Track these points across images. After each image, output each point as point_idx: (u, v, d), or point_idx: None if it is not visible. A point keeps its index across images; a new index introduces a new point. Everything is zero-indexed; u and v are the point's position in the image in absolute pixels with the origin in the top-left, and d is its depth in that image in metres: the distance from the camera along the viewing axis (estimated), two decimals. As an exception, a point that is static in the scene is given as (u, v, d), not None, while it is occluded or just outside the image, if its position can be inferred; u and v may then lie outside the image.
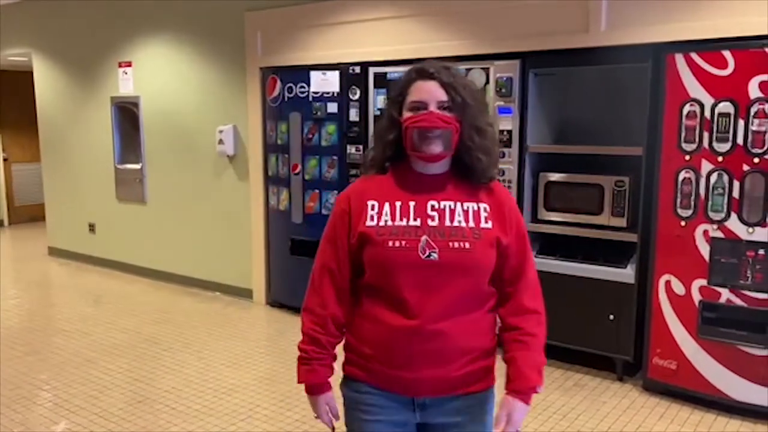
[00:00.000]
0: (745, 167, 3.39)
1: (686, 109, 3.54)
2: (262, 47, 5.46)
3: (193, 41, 5.95)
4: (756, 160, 3.36)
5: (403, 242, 1.63)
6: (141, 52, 6.41)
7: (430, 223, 1.65)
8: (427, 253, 1.63)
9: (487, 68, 4.25)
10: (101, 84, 6.84)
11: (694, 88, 3.50)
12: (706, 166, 3.51)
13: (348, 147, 5.05)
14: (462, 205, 1.68)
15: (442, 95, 1.64)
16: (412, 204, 1.67)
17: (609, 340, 4.05)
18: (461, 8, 4.43)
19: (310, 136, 5.13)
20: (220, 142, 5.76)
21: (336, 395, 1.85)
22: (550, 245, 4.18)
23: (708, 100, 3.46)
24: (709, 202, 3.51)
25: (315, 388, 1.80)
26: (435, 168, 1.70)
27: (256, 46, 5.47)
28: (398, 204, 1.68)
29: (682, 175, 3.59)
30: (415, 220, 1.66)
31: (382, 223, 1.66)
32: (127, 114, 6.71)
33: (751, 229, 3.42)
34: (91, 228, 7.28)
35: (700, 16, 3.58)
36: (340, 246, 1.73)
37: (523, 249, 1.75)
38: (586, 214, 4.13)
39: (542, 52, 4.13)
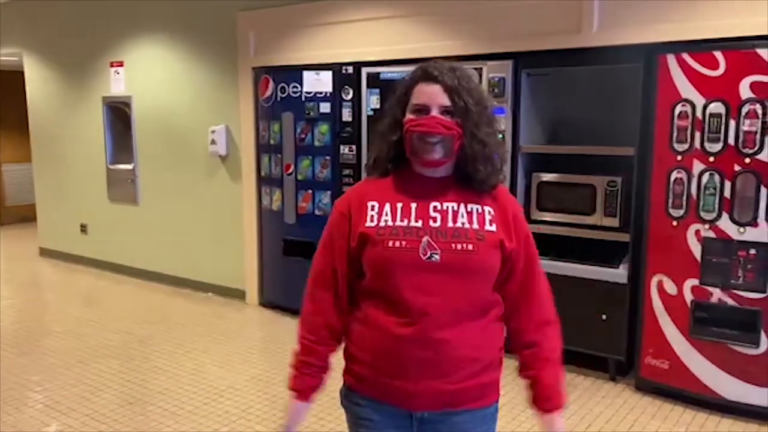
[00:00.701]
0: (737, 167, 3.41)
1: (678, 109, 3.55)
2: (254, 47, 5.45)
3: (186, 41, 5.93)
4: (747, 160, 3.37)
5: (404, 242, 1.59)
6: (133, 52, 6.39)
7: (432, 224, 1.61)
8: (429, 255, 1.58)
9: (480, 68, 4.25)
10: (93, 84, 6.81)
11: (685, 88, 3.52)
12: (697, 166, 3.52)
13: (341, 147, 5.05)
14: (466, 206, 1.64)
15: (445, 99, 1.60)
16: (413, 206, 1.63)
17: (601, 340, 4.06)
18: (454, 8, 4.43)
19: (303, 136, 5.12)
20: (213, 142, 5.74)
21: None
22: (542, 245, 4.10)
23: (699, 101, 3.48)
24: (701, 202, 3.53)
25: (294, 394, 1.77)
26: (437, 171, 1.66)
27: (248, 45, 5.46)
28: (399, 205, 1.64)
29: (674, 175, 3.60)
30: (416, 221, 1.61)
31: (382, 224, 1.62)
32: (119, 114, 6.69)
33: (742, 229, 3.43)
34: (83, 228, 7.25)
35: (691, 17, 3.60)
36: (338, 251, 1.68)
37: (531, 256, 1.70)
38: (578, 214, 4.14)
39: (535, 53, 4.14)
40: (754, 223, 3.40)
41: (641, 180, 3.82)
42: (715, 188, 3.48)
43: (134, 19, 6.29)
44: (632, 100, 3.88)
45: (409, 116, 1.63)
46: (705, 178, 3.50)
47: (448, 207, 1.63)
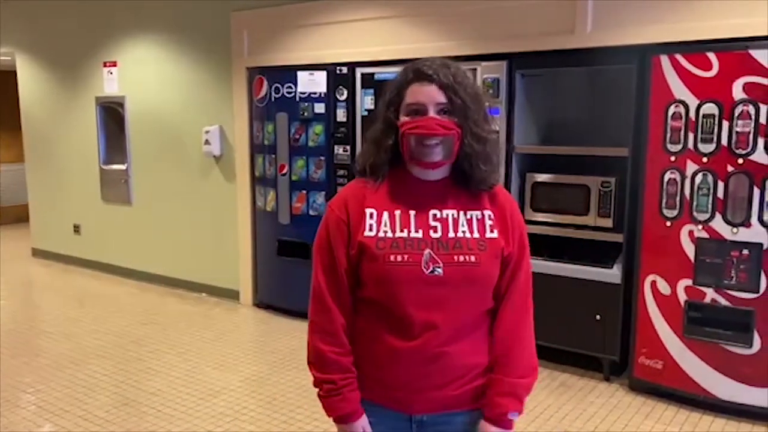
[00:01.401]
0: (730, 168, 3.42)
1: (671, 110, 3.56)
2: (248, 47, 5.44)
3: (179, 41, 5.91)
4: (740, 161, 3.38)
5: (405, 256, 1.54)
6: (126, 52, 6.37)
7: (432, 234, 1.56)
8: (431, 269, 1.53)
9: (474, 69, 4.26)
10: (86, 84, 6.79)
11: (679, 89, 3.53)
12: (691, 167, 3.53)
13: (335, 147, 5.04)
14: (465, 213, 1.59)
15: (441, 98, 1.54)
16: (412, 213, 1.58)
17: (595, 340, 4.07)
18: (448, 9, 4.44)
19: (297, 136, 5.12)
20: (207, 142, 5.73)
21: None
22: (536, 246, 4.12)
23: (693, 102, 3.49)
24: (694, 203, 3.54)
25: (349, 417, 1.64)
26: (434, 173, 1.61)
27: (242, 46, 5.45)
28: (398, 213, 1.58)
29: (668, 175, 3.62)
30: (416, 231, 1.56)
31: (381, 234, 1.56)
32: (112, 114, 6.66)
33: (735, 230, 3.44)
34: (76, 229, 7.22)
35: (685, 18, 3.61)
36: (338, 256, 1.61)
37: (521, 257, 1.65)
38: (572, 214, 4.15)
39: (529, 53, 4.15)
40: (747, 223, 3.41)
41: (635, 180, 3.83)
42: (708, 189, 3.49)
43: (128, 19, 6.27)
44: (626, 100, 3.89)
45: (404, 118, 1.57)
46: (698, 178, 3.52)
47: (448, 215, 1.59)
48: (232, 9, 5.46)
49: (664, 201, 3.64)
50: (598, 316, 4.03)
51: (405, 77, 1.60)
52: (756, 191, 3.36)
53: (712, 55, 3.41)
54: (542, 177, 4.28)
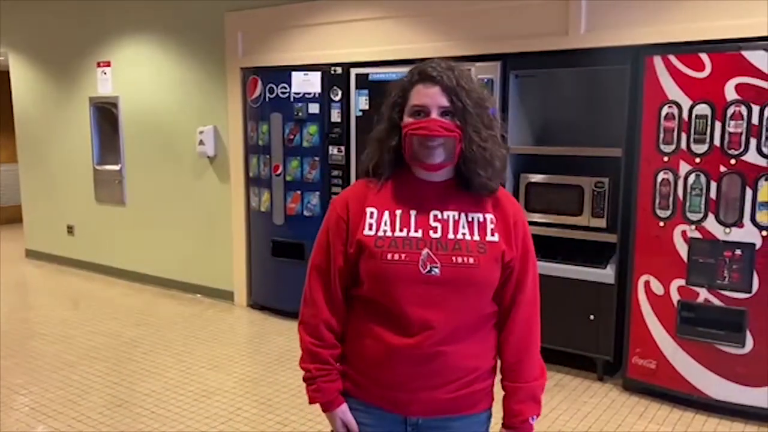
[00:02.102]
0: (722, 168, 3.44)
1: (664, 110, 3.58)
2: (242, 48, 5.43)
3: (173, 41, 5.90)
4: (732, 161, 3.40)
5: (403, 255, 1.54)
6: (120, 52, 6.35)
7: (432, 234, 1.56)
8: (429, 268, 1.54)
9: (469, 69, 4.23)
10: (79, 84, 6.77)
11: (672, 90, 3.54)
12: (684, 167, 3.55)
13: (330, 148, 5.04)
14: (467, 215, 1.59)
15: (444, 100, 1.55)
16: (413, 213, 1.59)
17: (589, 340, 4.08)
18: (442, 10, 4.44)
19: (292, 136, 5.11)
20: (201, 143, 5.72)
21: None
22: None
23: (686, 102, 3.50)
24: (687, 203, 3.56)
25: (326, 405, 1.68)
26: (437, 175, 1.61)
27: (236, 46, 5.44)
28: (398, 213, 1.59)
29: (661, 176, 3.63)
30: (416, 231, 1.57)
31: (380, 233, 1.57)
32: (106, 114, 6.65)
33: (727, 230, 3.46)
34: (70, 230, 7.20)
35: (678, 19, 3.62)
36: (334, 254, 1.63)
37: (525, 262, 1.65)
38: (566, 215, 4.16)
39: (523, 54, 4.16)
40: (739, 223, 3.43)
41: (628, 181, 3.84)
42: (701, 189, 3.51)
43: (121, 19, 6.26)
44: (619, 101, 3.90)
45: (407, 119, 1.58)
46: (691, 179, 3.53)
47: (448, 216, 1.59)
48: (226, 9, 5.45)
49: (657, 201, 3.66)
50: (591, 316, 4.04)
51: (410, 78, 1.61)
52: (748, 192, 3.38)
53: (704, 56, 3.42)
54: (536, 177, 4.29)
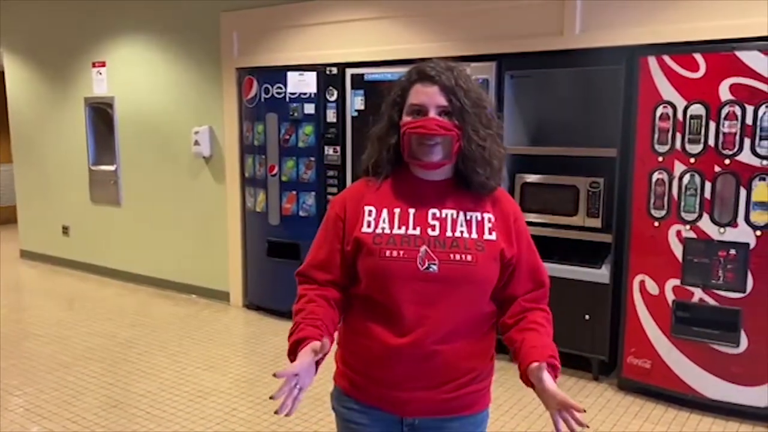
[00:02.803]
0: (717, 168, 3.45)
1: (659, 111, 3.59)
2: (238, 48, 5.43)
3: (169, 41, 5.89)
4: (727, 161, 3.41)
5: (401, 252, 1.55)
6: (115, 52, 6.34)
7: (430, 232, 1.57)
8: (426, 265, 1.54)
9: (466, 70, 4.26)
10: (75, 84, 6.75)
11: (666, 90, 3.55)
12: (678, 168, 3.56)
13: (325, 148, 5.04)
14: (465, 214, 1.60)
15: (442, 100, 1.57)
16: (411, 212, 1.60)
17: (584, 340, 4.09)
18: (437, 10, 4.44)
19: (287, 137, 5.11)
20: (196, 143, 5.71)
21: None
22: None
23: (680, 102, 3.51)
24: (682, 203, 3.56)
25: (293, 346, 1.54)
26: (436, 174, 1.62)
27: (232, 46, 5.44)
28: (397, 211, 1.60)
29: (656, 176, 3.64)
30: (414, 228, 1.58)
31: (378, 231, 1.58)
32: (101, 115, 6.63)
33: (722, 230, 3.47)
34: (65, 230, 7.18)
35: (672, 20, 3.63)
36: (334, 249, 1.64)
37: (534, 258, 1.68)
38: (561, 215, 4.17)
39: (518, 55, 4.16)
40: (733, 223, 3.44)
41: (623, 181, 3.85)
42: (695, 189, 3.52)
43: (117, 19, 6.25)
44: (614, 101, 3.91)
45: (406, 118, 1.59)
46: (686, 179, 3.54)
47: (447, 215, 1.60)
48: (222, 9, 5.44)
49: (652, 201, 3.67)
50: (586, 316, 4.05)
51: (409, 78, 1.63)
52: (743, 191, 3.39)
53: (699, 57, 3.43)
54: (531, 177, 4.29)
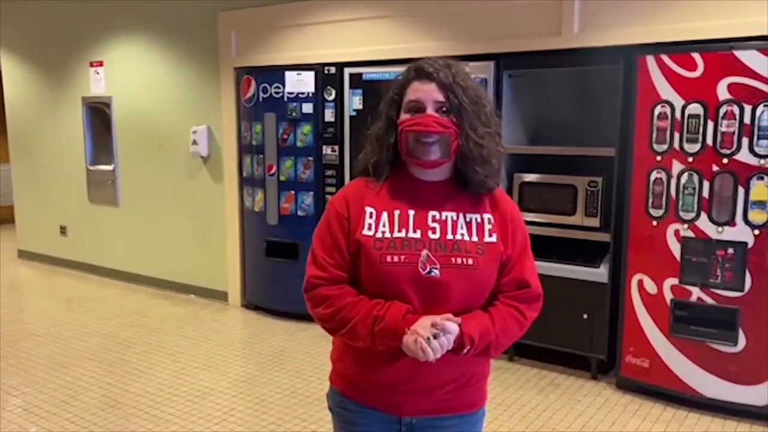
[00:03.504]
0: (715, 167, 3.45)
1: (657, 110, 3.59)
2: (236, 47, 5.42)
3: (167, 41, 5.88)
4: (725, 160, 3.41)
5: (402, 257, 1.53)
6: (113, 52, 6.33)
7: (431, 235, 1.55)
8: (428, 269, 1.53)
9: (464, 67, 4.26)
10: (72, 84, 6.74)
11: (664, 89, 3.55)
12: (676, 167, 3.56)
13: (323, 148, 5.04)
14: (465, 216, 1.59)
15: (440, 96, 1.55)
16: (411, 213, 1.58)
17: (583, 340, 4.09)
18: (436, 10, 4.44)
19: (285, 136, 5.11)
20: (194, 142, 5.70)
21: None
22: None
23: (678, 102, 3.52)
24: (680, 202, 3.57)
25: (390, 325, 1.52)
26: (435, 174, 1.61)
27: (230, 46, 5.43)
28: (396, 213, 1.58)
29: (654, 175, 3.64)
30: (414, 231, 1.56)
31: (379, 234, 1.56)
32: (98, 114, 6.62)
33: (720, 229, 3.47)
34: (63, 230, 7.17)
35: (670, 19, 3.64)
36: (342, 251, 1.60)
37: (523, 258, 1.64)
38: (560, 214, 4.17)
39: (516, 54, 4.16)
40: (731, 222, 3.44)
41: (621, 180, 3.85)
42: (693, 188, 3.52)
43: (114, 19, 6.24)
44: (612, 101, 3.91)
45: (404, 116, 1.58)
46: (684, 178, 3.54)
47: (447, 217, 1.58)
48: (220, 9, 5.44)
49: (650, 200, 3.67)
50: (585, 316, 4.05)
51: (407, 75, 1.61)
52: (741, 191, 3.39)
53: (697, 56, 3.43)
54: (530, 177, 4.29)
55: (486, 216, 1.61)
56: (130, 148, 6.39)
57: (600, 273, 4.00)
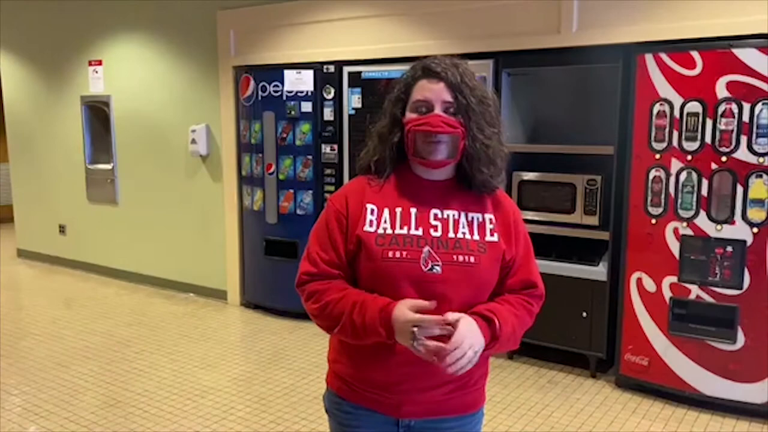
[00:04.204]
0: (714, 166, 3.45)
1: (656, 108, 3.59)
2: (235, 46, 5.42)
3: (165, 40, 5.88)
4: (723, 158, 3.42)
5: (404, 253, 1.52)
6: (112, 51, 6.32)
7: (432, 233, 1.55)
8: (430, 266, 1.52)
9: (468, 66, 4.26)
10: (71, 83, 6.73)
11: (663, 87, 3.56)
12: (675, 165, 3.56)
13: (322, 146, 5.04)
14: (467, 215, 1.59)
15: (448, 96, 1.54)
16: (413, 211, 1.57)
17: (582, 338, 4.09)
18: (435, 8, 4.44)
19: (284, 135, 5.11)
20: (193, 141, 5.70)
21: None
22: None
23: (677, 100, 3.52)
24: (679, 200, 3.57)
25: (380, 302, 1.50)
26: (438, 174, 1.60)
27: (229, 44, 5.43)
28: (398, 210, 1.57)
29: (653, 173, 3.64)
30: (416, 229, 1.55)
31: (380, 231, 1.55)
32: (97, 113, 6.62)
33: (719, 227, 3.48)
34: (62, 229, 7.17)
35: (669, 18, 3.64)
36: (338, 249, 1.59)
37: (528, 260, 1.66)
38: (559, 212, 4.17)
39: (515, 52, 4.17)
40: (730, 220, 3.44)
41: (620, 178, 3.86)
42: (692, 186, 3.53)
43: (113, 18, 6.23)
44: (611, 99, 3.91)
45: (410, 115, 1.57)
46: (683, 176, 3.55)
47: (449, 215, 1.58)
48: (219, 7, 5.43)
49: (649, 199, 3.67)
50: (584, 314, 4.06)
51: (413, 74, 1.60)
52: (739, 189, 3.40)
53: (696, 54, 3.44)
54: (529, 175, 4.30)
55: (488, 216, 1.61)
56: (129, 147, 6.38)
57: (599, 271, 4.01)
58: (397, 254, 1.53)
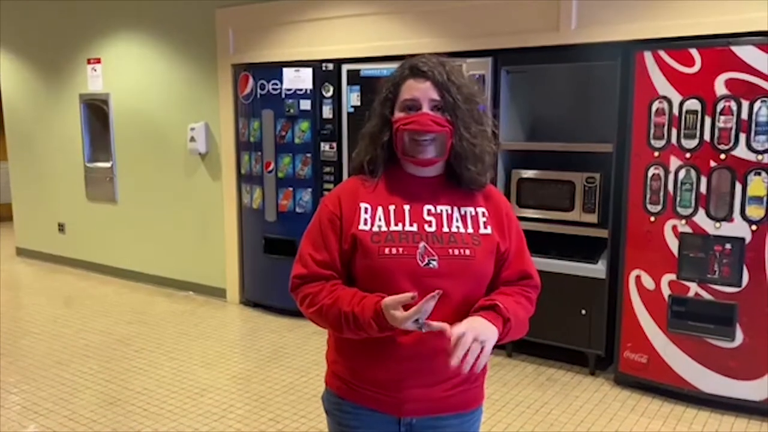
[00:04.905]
0: (712, 163, 3.45)
1: (655, 106, 3.59)
2: (234, 44, 5.42)
3: (164, 38, 5.87)
4: (722, 156, 3.42)
5: (401, 249, 1.54)
6: (110, 49, 6.32)
7: (427, 228, 1.56)
8: (426, 261, 1.53)
9: (460, 66, 4.24)
10: (70, 81, 6.73)
11: (662, 85, 3.56)
12: (674, 163, 3.56)
13: (321, 144, 5.04)
14: (459, 210, 1.60)
15: (435, 95, 1.56)
16: (406, 208, 1.59)
17: (581, 335, 4.10)
18: (434, 6, 4.44)
19: (283, 133, 5.10)
20: (192, 139, 5.70)
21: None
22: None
23: (676, 98, 3.52)
24: (678, 198, 3.57)
25: (369, 309, 1.50)
26: (428, 171, 1.62)
27: (227, 42, 5.42)
28: (392, 208, 1.59)
29: (651, 171, 3.64)
30: (411, 225, 1.56)
31: (375, 228, 1.56)
32: (96, 112, 6.61)
33: (718, 224, 3.48)
34: (61, 228, 7.16)
35: (668, 15, 3.64)
36: (331, 250, 1.59)
37: (522, 252, 1.68)
38: (557, 210, 4.17)
39: (514, 50, 4.16)
40: (729, 218, 3.44)
41: (619, 176, 3.86)
42: (691, 184, 3.53)
43: (112, 16, 6.22)
44: (610, 97, 3.91)
45: (398, 114, 1.58)
46: (681, 174, 3.55)
47: (442, 210, 1.60)
48: (218, 5, 5.43)
49: (647, 196, 3.67)
50: (583, 311, 4.06)
51: (401, 73, 1.61)
52: (738, 186, 3.40)
53: (694, 52, 3.44)
54: (527, 173, 4.30)
55: (480, 209, 1.63)
56: (128, 146, 6.38)
57: (598, 269, 4.01)
58: (394, 250, 1.54)
